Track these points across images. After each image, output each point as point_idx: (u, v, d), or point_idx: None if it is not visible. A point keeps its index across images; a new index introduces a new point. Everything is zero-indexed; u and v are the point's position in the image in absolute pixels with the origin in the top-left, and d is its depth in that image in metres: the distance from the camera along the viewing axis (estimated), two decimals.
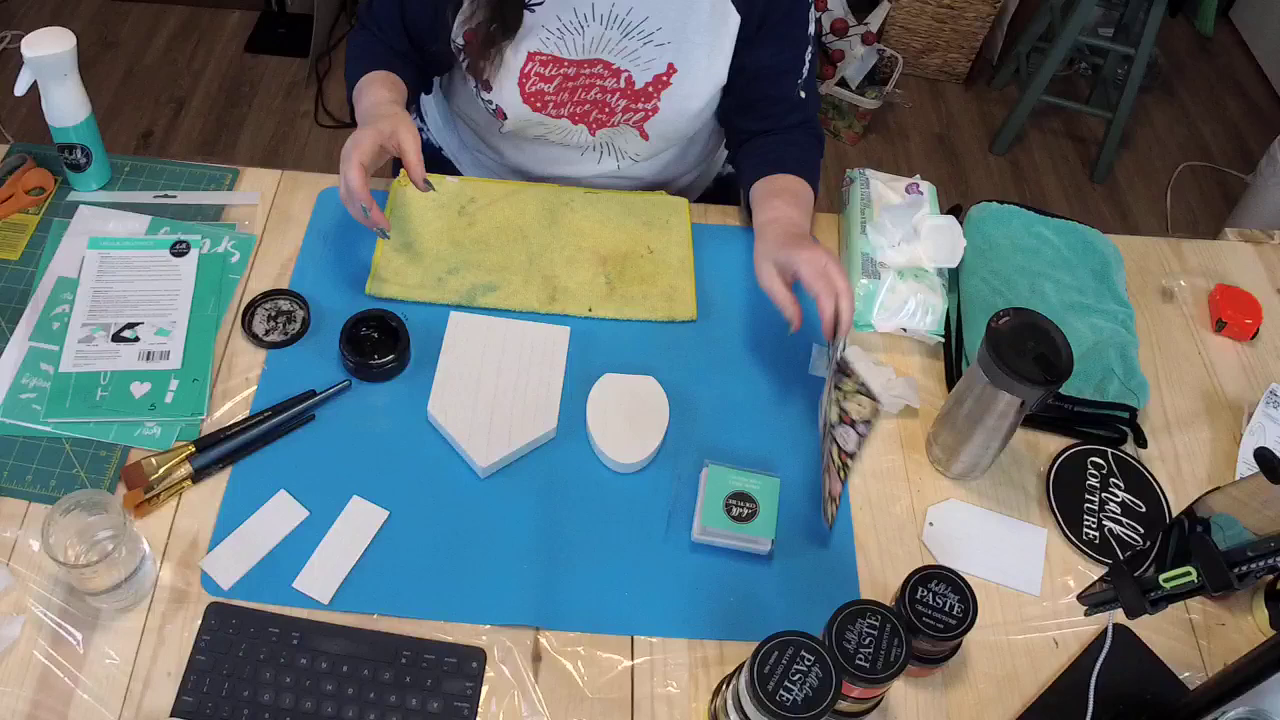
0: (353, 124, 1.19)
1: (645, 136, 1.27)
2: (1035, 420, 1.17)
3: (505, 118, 1.24)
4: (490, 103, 1.24)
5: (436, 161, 1.50)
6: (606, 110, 1.24)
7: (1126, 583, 0.86)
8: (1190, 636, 1.04)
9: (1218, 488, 0.86)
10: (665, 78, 1.20)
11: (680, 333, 1.21)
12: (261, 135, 2.70)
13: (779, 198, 1.20)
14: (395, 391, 1.12)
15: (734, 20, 1.19)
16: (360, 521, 1.02)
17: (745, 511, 1.03)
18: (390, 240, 1.23)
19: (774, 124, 1.28)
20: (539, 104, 1.22)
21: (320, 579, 0.98)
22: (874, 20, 2.84)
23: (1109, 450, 1.16)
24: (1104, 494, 1.13)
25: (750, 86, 1.25)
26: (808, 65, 1.26)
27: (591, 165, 1.33)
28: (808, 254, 1.09)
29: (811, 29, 1.24)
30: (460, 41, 1.20)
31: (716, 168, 1.53)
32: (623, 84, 1.21)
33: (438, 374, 1.12)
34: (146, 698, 0.91)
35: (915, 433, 1.15)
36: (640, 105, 1.23)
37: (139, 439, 1.06)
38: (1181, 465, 1.17)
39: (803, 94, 1.27)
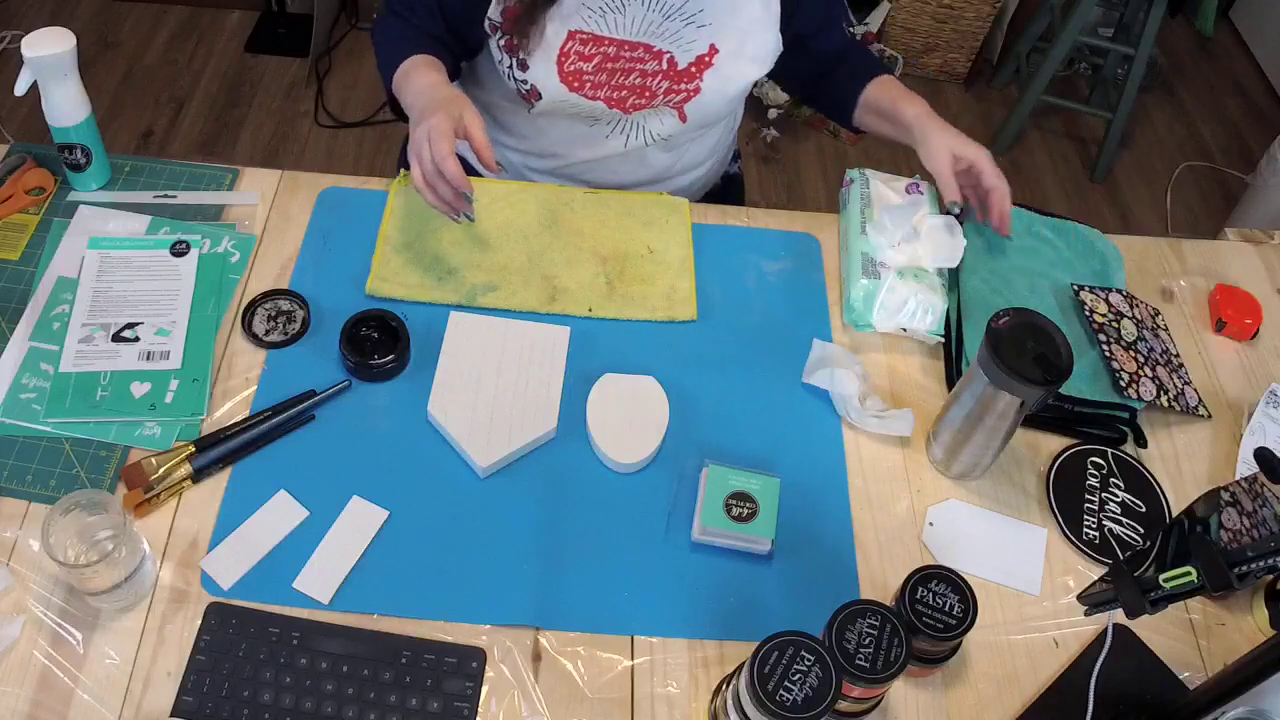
0: (387, 117, 1.19)
1: (684, 118, 1.28)
2: (1035, 420, 1.17)
3: (539, 98, 1.23)
4: (525, 83, 1.22)
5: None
6: (647, 95, 1.24)
7: (1126, 583, 0.86)
8: (1190, 636, 1.04)
9: (1218, 488, 0.86)
10: (708, 58, 1.21)
11: (680, 333, 1.21)
12: (261, 135, 2.70)
13: (906, 99, 1.30)
14: (395, 391, 1.12)
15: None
16: (360, 521, 1.02)
17: (745, 511, 1.03)
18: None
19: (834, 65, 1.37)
20: (576, 84, 1.22)
21: (320, 579, 0.98)
22: (874, 20, 2.84)
23: (1109, 450, 1.16)
24: (1104, 494, 1.13)
25: (807, 53, 1.30)
26: (845, 7, 1.34)
27: (618, 145, 1.33)
28: (983, 154, 1.22)
29: None
30: (498, 19, 1.20)
31: (725, 164, 1.52)
32: (665, 65, 1.21)
33: (438, 374, 1.12)
34: (146, 698, 0.91)
35: (915, 433, 1.15)
36: (682, 86, 1.23)
37: (139, 439, 1.06)
38: (1181, 465, 1.17)
39: (853, 30, 1.35)
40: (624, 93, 1.24)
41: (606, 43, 1.19)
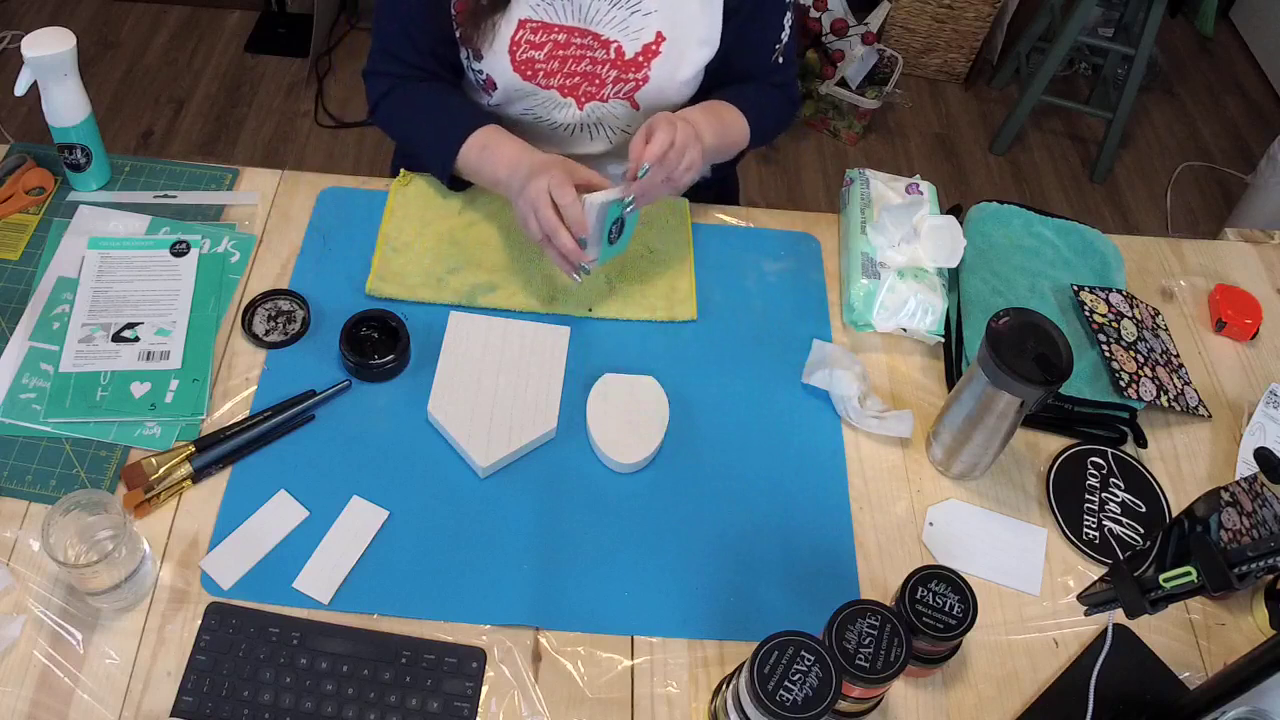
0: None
1: (636, 106, 1.27)
2: (1035, 420, 1.17)
3: (495, 88, 1.24)
4: (480, 73, 1.24)
5: None
6: (597, 82, 1.24)
7: (1126, 583, 0.86)
8: (1190, 636, 1.04)
9: (1218, 488, 0.86)
10: (655, 46, 1.21)
11: (680, 333, 1.21)
12: (261, 135, 2.70)
13: (700, 109, 1.22)
14: (395, 391, 1.12)
15: None
16: (360, 521, 1.02)
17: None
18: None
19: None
20: (529, 72, 1.23)
21: (320, 579, 0.98)
22: (874, 20, 2.84)
23: (1109, 450, 1.16)
24: (1104, 494, 1.13)
25: (727, 62, 1.27)
26: (787, 32, 1.28)
27: (584, 144, 1.33)
28: (670, 119, 1.12)
29: None
30: (453, 10, 1.21)
31: None
32: (613, 54, 1.22)
33: (438, 374, 1.12)
34: (146, 698, 0.91)
35: (915, 433, 1.15)
36: (631, 75, 1.23)
37: (139, 439, 1.06)
38: (1181, 465, 1.17)
39: (780, 60, 1.30)
40: (576, 79, 1.24)
41: (556, 30, 1.20)
